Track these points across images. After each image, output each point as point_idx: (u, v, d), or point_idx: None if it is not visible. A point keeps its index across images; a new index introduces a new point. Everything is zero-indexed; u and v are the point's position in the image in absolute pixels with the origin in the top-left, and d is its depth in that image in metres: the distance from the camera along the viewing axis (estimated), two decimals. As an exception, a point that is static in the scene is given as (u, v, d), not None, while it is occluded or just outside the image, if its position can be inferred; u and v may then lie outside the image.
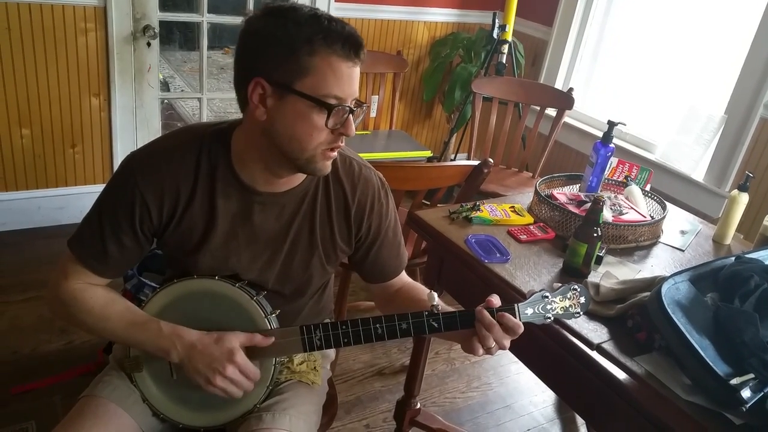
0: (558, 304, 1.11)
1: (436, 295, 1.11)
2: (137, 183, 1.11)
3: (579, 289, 1.13)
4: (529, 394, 2.38)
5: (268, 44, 1.01)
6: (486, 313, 1.06)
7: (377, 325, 1.10)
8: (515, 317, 1.07)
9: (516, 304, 1.08)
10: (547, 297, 1.10)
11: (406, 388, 1.94)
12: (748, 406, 1.05)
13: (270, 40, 1.01)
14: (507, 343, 1.07)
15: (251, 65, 1.04)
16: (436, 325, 1.09)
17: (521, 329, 1.06)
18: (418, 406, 1.97)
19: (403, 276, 1.36)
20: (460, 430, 2.03)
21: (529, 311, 1.09)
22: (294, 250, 1.22)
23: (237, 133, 1.14)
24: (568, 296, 1.12)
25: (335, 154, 1.09)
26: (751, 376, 1.08)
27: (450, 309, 1.12)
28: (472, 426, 2.18)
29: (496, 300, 1.08)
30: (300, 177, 1.17)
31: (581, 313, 1.13)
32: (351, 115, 1.05)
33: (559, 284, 1.14)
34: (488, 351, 1.07)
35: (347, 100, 1.04)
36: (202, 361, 1.10)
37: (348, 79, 1.03)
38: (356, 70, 1.05)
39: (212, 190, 1.14)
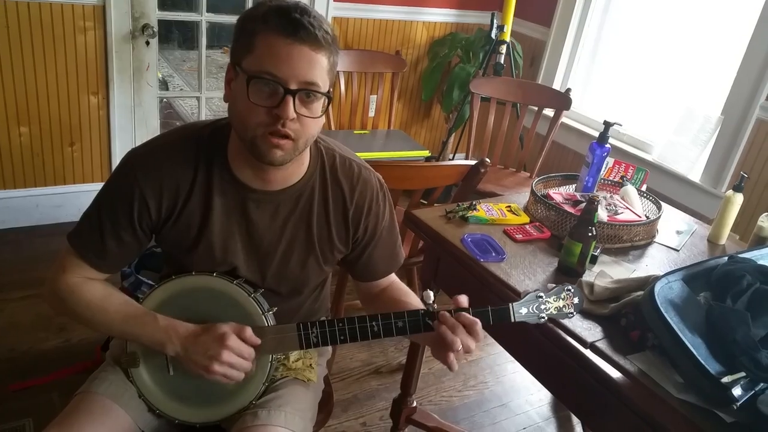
0: (552, 304, 1.13)
1: (431, 293, 1.12)
2: (137, 179, 1.12)
3: (573, 290, 1.15)
4: (525, 393, 2.38)
5: (236, 28, 1.07)
6: (447, 315, 1.06)
7: (373, 323, 1.11)
8: (510, 316, 1.08)
9: (510, 304, 1.10)
10: (541, 297, 1.12)
11: (402, 386, 1.95)
12: (739, 404, 1.06)
13: (237, 24, 1.07)
14: (471, 344, 1.05)
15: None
16: (431, 323, 1.10)
17: (478, 325, 1.06)
18: (415, 404, 1.97)
19: (391, 276, 1.37)
20: (456, 429, 2.04)
21: (524, 311, 1.11)
22: (290, 249, 1.22)
23: (233, 130, 1.15)
24: (562, 296, 1.14)
25: (283, 142, 1.04)
26: (742, 374, 1.09)
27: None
28: (468, 424, 2.19)
29: (464, 300, 1.09)
30: (293, 176, 1.18)
31: (575, 313, 1.15)
32: (292, 98, 1.00)
33: (554, 285, 1.16)
34: (454, 352, 1.05)
35: (287, 81, 1.00)
36: (197, 352, 1.10)
37: (287, 58, 1.00)
38: (300, 49, 1.00)
39: (209, 187, 1.15)
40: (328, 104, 1.09)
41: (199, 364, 1.10)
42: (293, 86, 1.01)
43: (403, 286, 1.35)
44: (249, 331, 1.13)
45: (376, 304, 1.33)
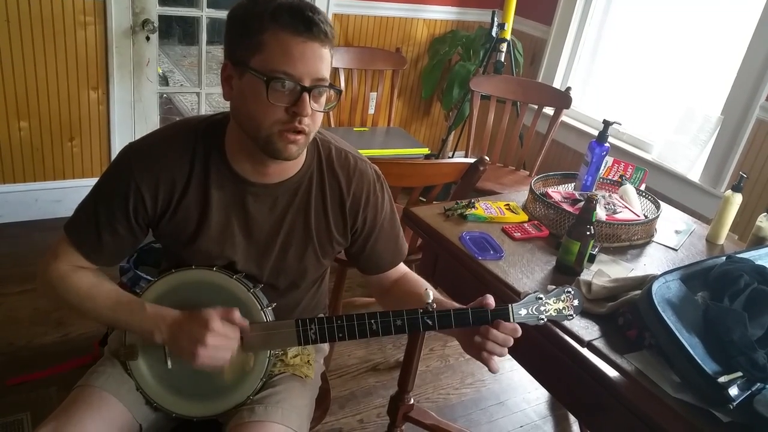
0: (551, 306, 1.12)
1: (432, 292, 1.12)
2: (133, 173, 1.13)
3: (573, 292, 1.14)
4: (523, 391, 2.39)
5: (232, 25, 1.06)
6: (496, 332, 1.07)
7: (372, 321, 1.11)
8: (509, 317, 1.08)
9: (510, 305, 1.09)
10: (541, 299, 1.11)
11: (399, 383, 1.95)
12: (735, 404, 1.07)
13: (233, 21, 1.06)
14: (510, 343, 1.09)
15: (225, 49, 1.08)
16: (430, 322, 1.10)
17: (519, 332, 1.08)
18: (412, 401, 1.98)
19: (401, 267, 1.37)
20: (454, 426, 2.04)
21: (523, 312, 1.10)
22: (288, 242, 1.23)
23: (230, 124, 1.15)
24: (562, 298, 1.13)
25: (299, 137, 1.05)
26: (739, 374, 1.09)
27: (448, 303, 1.13)
28: (465, 422, 2.19)
29: (491, 300, 1.10)
30: (291, 169, 1.18)
31: (574, 315, 1.15)
32: (308, 95, 1.02)
33: (553, 286, 1.15)
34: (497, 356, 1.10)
35: (302, 78, 1.02)
36: (183, 338, 1.10)
37: (300, 56, 1.01)
38: (312, 47, 1.02)
39: (206, 181, 1.16)
40: (339, 97, 1.11)
41: (185, 349, 1.09)
42: (307, 83, 1.03)
43: (416, 277, 1.34)
44: (236, 313, 1.12)
45: (389, 297, 1.33)
